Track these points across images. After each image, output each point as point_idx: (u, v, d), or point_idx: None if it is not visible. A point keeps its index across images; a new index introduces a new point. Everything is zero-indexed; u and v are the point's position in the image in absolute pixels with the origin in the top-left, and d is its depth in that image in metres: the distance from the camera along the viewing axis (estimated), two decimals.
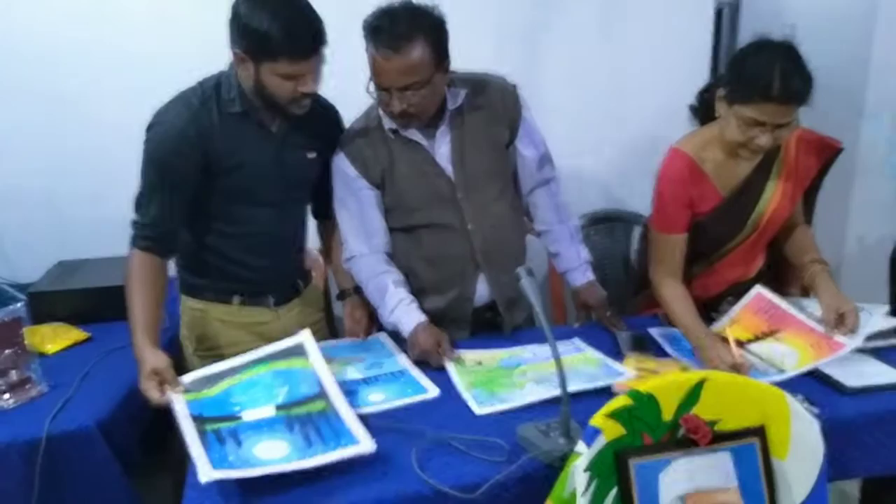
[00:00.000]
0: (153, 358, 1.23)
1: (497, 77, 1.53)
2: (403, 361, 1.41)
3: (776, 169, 1.49)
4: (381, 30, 1.29)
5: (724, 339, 1.39)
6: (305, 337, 1.29)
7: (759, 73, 1.31)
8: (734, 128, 1.36)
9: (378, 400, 1.25)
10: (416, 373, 1.36)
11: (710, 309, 1.58)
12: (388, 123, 1.44)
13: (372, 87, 1.36)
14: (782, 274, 1.61)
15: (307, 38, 1.26)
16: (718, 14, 2.62)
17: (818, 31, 2.72)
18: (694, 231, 1.52)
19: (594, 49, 2.34)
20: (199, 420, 1.11)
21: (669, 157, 1.50)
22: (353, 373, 1.36)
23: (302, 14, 1.26)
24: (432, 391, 1.28)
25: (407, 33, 1.28)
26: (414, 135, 1.44)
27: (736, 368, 1.29)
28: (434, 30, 1.32)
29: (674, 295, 1.49)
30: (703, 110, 1.53)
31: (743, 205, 1.50)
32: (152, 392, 1.19)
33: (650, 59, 2.35)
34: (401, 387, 1.30)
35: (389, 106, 1.36)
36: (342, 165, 1.48)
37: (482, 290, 1.54)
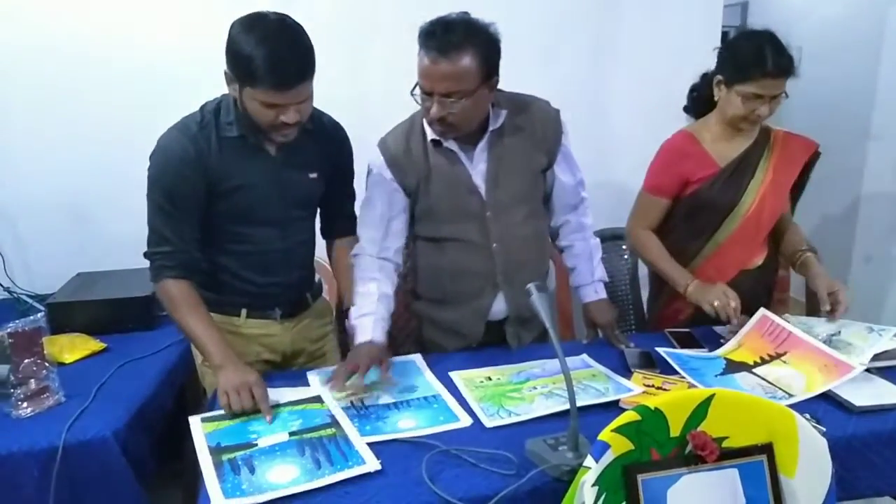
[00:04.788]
0: (245, 373, 1.28)
1: (541, 101, 1.54)
2: (438, 387, 1.38)
3: (767, 154, 1.67)
4: (434, 35, 1.31)
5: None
6: (323, 390, 1.35)
7: (752, 55, 1.54)
8: (737, 105, 1.58)
9: (408, 427, 1.22)
10: (449, 399, 1.32)
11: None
12: (430, 134, 1.45)
13: (417, 91, 1.38)
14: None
15: (289, 70, 1.24)
16: (725, 36, 2.66)
17: (825, 55, 2.76)
18: (694, 201, 1.68)
19: (607, 71, 2.39)
20: (216, 450, 1.14)
21: (673, 134, 1.73)
22: (386, 397, 1.33)
23: (289, 45, 1.25)
24: (464, 420, 1.24)
25: (458, 42, 1.30)
26: (454, 147, 1.46)
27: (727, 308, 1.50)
28: (486, 44, 1.34)
29: (647, 236, 1.73)
30: (696, 106, 1.74)
31: (739, 176, 1.66)
32: (244, 402, 1.23)
33: (658, 80, 2.39)
34: (433, 413, 1.27)
35: (430, 111, 1.37)
36: (379, 168, 1.49)
37: (498, 307, 1.55)
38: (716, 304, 1.53)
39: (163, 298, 1.39)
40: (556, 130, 1.52)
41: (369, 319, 1.42)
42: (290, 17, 1.29)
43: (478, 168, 1.48)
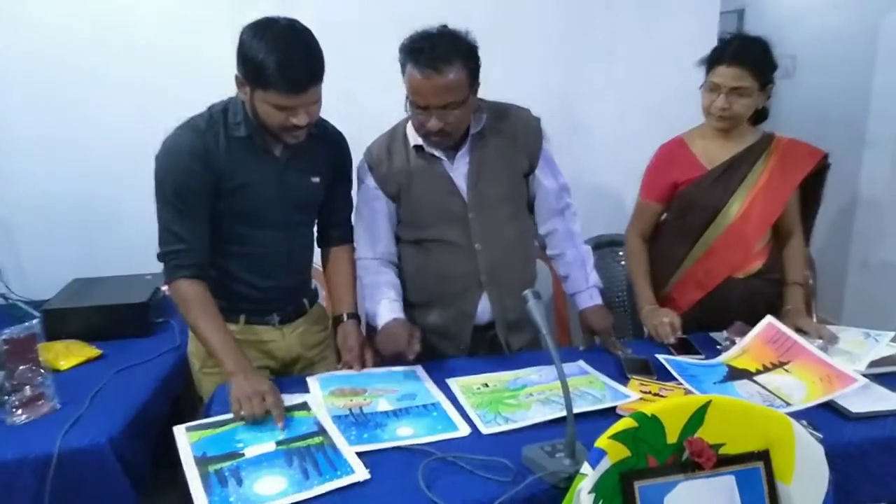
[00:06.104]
0: (258, 382, 1.28)
1: (521, 108, 1.58)
2: (438, 395, 1.37)
3: (764, 158, 1.67)
4: (423, 51, 1.35)
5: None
6: (309, 397, 1.35)
7: (718, 46, 1.60)
8: (704, 98, 1.62)
9: (406, 434, 1.21)
10: (449, 407, 1.32)
11: (720, 316, 1.63)
12: (413, 140, 1.50)
13: (409, 107, 1.41)
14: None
15: (300, 74, 1.27)
16: None
17: (820, 62, 2.78)
18: (682, 202, 1.72)
19: (604, 79, 2.41)
20: (202, 461, 1.12)
21: (667, 141, 1.78)
22: (385, 405, 1.33)
23: (300, 50, 1.27)
24: (463, 430, 1.23)
25: (446, 55, 1.35)
26: (436, 151, 1.50)
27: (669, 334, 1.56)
28: (469, 53, 1.40)
29: (637, 247, 1.79)
30: None
31: (728, 178, 1.68)
32: (255, 409, 1.22)
33: (655, 87, 2.40)
34: (431, 422, 1.26)
35: (426, 125, 1.41)
36: (363, 176, 1.57)
37: (484, 310, 1.57)
38: (654, 324, 1.60)
39: (176, 299, 1.39)
40: (537, 135, 1.56)
41: (386, 303, 1.52)
42: (298, 22, 1.31)
43: (459, 170, 1.51)
